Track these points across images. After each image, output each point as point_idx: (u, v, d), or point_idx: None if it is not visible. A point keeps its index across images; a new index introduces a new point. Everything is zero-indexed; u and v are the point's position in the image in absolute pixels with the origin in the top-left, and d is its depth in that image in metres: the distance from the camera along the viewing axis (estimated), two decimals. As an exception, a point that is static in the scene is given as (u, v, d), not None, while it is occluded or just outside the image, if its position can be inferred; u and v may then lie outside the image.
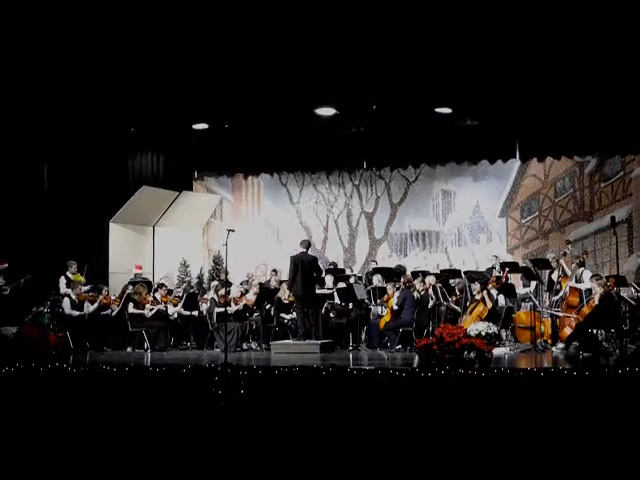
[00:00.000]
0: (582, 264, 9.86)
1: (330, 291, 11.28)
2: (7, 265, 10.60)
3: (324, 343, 9.75)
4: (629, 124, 11.36)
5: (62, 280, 11.19)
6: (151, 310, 10.90)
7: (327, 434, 6.21)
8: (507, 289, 10.28)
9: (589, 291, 9.45)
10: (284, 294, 11.06)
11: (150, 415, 6.67)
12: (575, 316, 9.15)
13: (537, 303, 10.05)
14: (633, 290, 10.18)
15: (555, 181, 13.81)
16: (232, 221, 15.05)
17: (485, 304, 9.92)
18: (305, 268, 10.09)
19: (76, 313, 10.75)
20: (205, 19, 8.56)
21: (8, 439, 6.67)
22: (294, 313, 11.02)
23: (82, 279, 11.30)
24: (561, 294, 9.80)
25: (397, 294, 10.42)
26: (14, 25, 8.64)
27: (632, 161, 12.82)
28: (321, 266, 11.00)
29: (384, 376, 6.61)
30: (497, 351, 8.61)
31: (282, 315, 10.98)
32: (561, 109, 11.40)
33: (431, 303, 10.34)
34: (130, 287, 11.27)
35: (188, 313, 11.10)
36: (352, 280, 11.62)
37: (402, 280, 10.66)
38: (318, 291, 10.77)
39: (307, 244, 10.45)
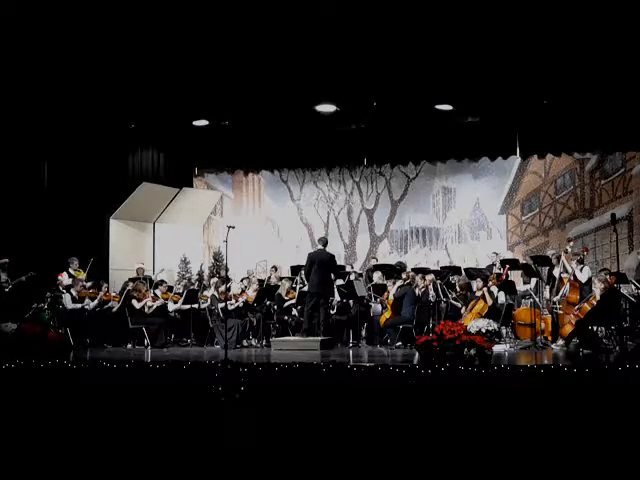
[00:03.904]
0: (581, 261, 9.89)
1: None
2: (7, 260, 10.65)
3: (324, 340, 9.75)
4: (630, 121, 11.34)
5: (64, 276, 11.21)
6: (151, 307, 10.91)
7: (328, 431, 6.21)
8: (507, 286, 10.28)
9: (589, 288, 9.47)
10: (284, 290, 11.07)
11: (150, 412, 6.67)
12: (575, 312, 9.15)
13: (537, 300, 10.04)
14: (633, 287, 10.18)
15: (555, 178, 13.80)
16: (232, 218, 15.04)
17: (485, 301, 9.93)
18: (322, 265, 10.13)
19: (78, 306, 10.78)
20: (206, 16, 8.55)
21: (8, 436, 6.67)
22: (294, 310, 11.04)
23: (83, 275, 11.32)
24: (562, 291, 9.80)
25: (398, 283, 10.45)
26: (14, 24, 8.63)
27: (633, 158, 12.80)
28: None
29: (384, 373, 6.60)
30: (497, 348, 8.62)
31: (283, 307, 11.00)
32: (562, 106, 11.39)
33: (431, 300, 10.35)
34: (130, 284, 11.29)
35: (188, 306, 11.12)
36: (352, 277, 11.63)
37: (403, 277, 10.67)
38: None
39: (324, 241, 10.49)
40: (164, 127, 12.98)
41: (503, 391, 6.21)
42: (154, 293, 11.21)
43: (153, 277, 12.29)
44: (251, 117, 12.33)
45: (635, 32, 8.66)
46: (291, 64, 9.83)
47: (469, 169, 14.06)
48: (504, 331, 10.14)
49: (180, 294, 11.53)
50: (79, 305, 10.80)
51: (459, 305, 10.43)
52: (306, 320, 10.10)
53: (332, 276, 10.78)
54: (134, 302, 10.84)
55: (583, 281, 9.63)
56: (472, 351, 6.76)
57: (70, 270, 11.31)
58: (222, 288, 10.61)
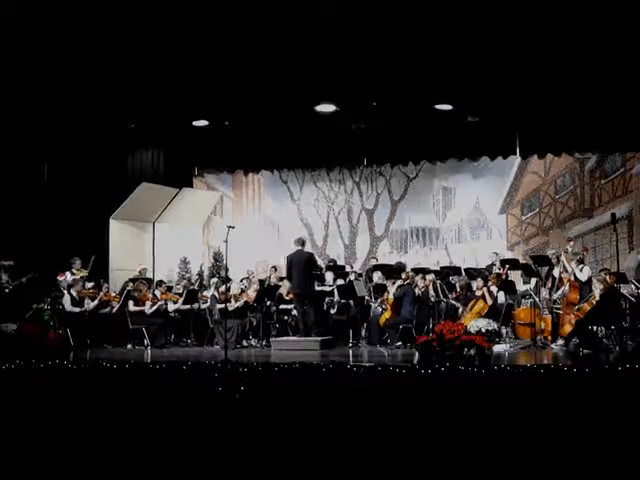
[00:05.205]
0: (581, 261, 9.90)
1: (330, 288, 11.28)
2: (13, 262, 10.66)
3: (324, 340, 9.76)
4: (630, 121, 11.33)
5: (67, 275, 11.22)
6: (151, 307, 10.91)
7: (328, 431, 6.21)
8: (507, 286, 10.28)
9: (589, 287, 9.47)
10: (285, 290, 11.07)
11: (150, 412, 6.67)
12: (575, 313, 9.16)
13: (537, 300, 10.05)
14: (633, 287, 10.18)
15: (555, 178, 13.81)
16: (232, 218, 15.06)
17: (485, 301, 9.93)
18: (301, 266, 10.09)
19: (77, 310, 10.78)
20: (205, 15, 8.55)
21: (8, 437, 6.67)
22: (294, 310, 11.04)
23: (84, 273, 11.33)
24: (561, 291, 9.81)
25: (397, 283, 10.45)
26: (14, 24, 8.63)
27: (632, 158, 12.81)
28: (320, 262, 10.97)
29: (384, 373, 6.61)
30: (497, 348, 8.62)
31: (283, 308, 10.99)
32: (562, 105, 11.37)
33: (431, 300, 10.35)
34: (130, 284, 11.29)
35: (188, 307, 11.11)
36: (352, 277, 11.62)
37: (403, 276, 10.66)
38: (318, 288, 10.78)
39: (301, 242, 10.43)
40: (164, 127, 12.96)
41: (503, 391, 6.21)
42: (154, 294, 11.21)
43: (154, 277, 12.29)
44: (251, 117, 12.31)
45: (635, 32, 8.65)
46: (291, 64, 9.82)
47: (469, 169, 14.05)
48: (504, 331, 10.13)
49: (180, 294, 11.53)
50: (77, 309, 10.79)
51: (459, 305, 10.43)
52: (300, 322, 10.12)
53: (318, 272, 10.66)
54: (130, 304, 10.83)
55: (583, 281, 9.63)
56: (472, 351, 6.76)
57: (73, 270, 11.32)
58: (222, 288, 10.61)
